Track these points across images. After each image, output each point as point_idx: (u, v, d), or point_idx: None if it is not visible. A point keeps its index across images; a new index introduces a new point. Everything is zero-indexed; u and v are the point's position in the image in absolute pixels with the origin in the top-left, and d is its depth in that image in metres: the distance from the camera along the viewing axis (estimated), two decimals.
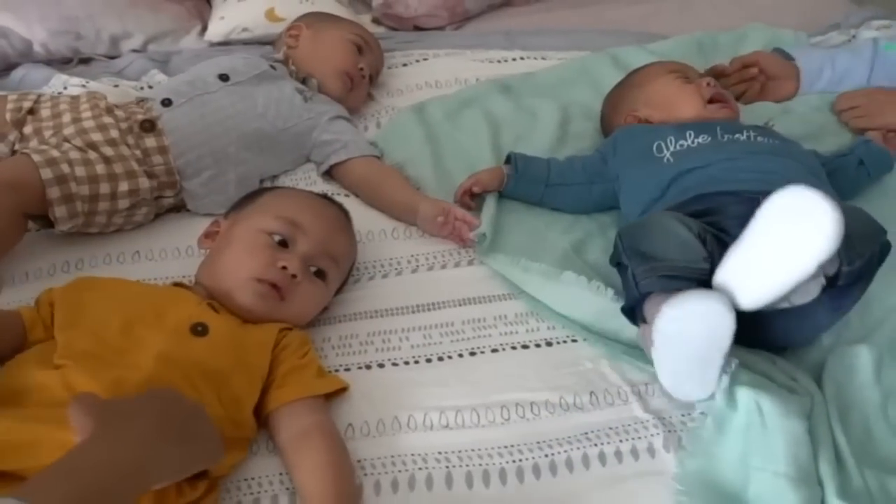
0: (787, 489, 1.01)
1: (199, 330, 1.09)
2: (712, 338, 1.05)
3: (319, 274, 1.21)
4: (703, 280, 1.10)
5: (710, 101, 1.47)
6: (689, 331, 1.05)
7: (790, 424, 1.06)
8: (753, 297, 1.05)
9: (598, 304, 1.25)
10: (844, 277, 1.09)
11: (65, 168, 1.29)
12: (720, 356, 1.07)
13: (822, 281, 1.07)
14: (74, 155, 1.32)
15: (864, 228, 1.12)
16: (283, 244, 1.19)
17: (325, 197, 1.35)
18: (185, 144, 1.42)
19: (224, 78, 1.51)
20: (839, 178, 1.40)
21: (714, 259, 1.11)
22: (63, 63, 1.78)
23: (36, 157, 1.28)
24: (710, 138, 1.38)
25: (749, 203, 1.12)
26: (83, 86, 1.63)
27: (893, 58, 1.68)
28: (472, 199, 1.47)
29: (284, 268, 1.16)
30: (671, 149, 1.38)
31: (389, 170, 1.53)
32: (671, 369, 1.11)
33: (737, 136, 1.39)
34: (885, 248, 1.15)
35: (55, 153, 1.30)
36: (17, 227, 1.29)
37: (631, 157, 1.42)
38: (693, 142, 1.38)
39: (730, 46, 1.85)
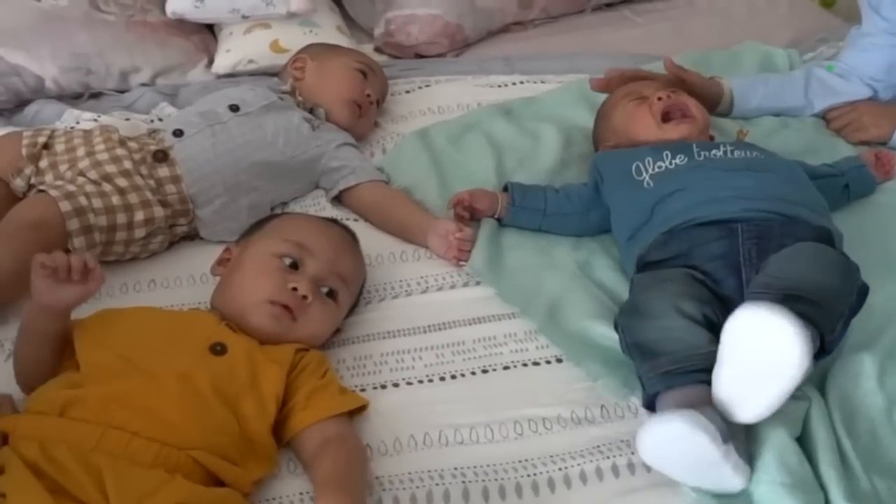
0: (784, 496, 1.02)
1: (219, 349, 1.12)
2: (696, 453, 1.03)
3: (331, 294, 1.24)
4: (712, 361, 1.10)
5: (666, 118, 1.49)
6: (671, 454, 1.06)
7: (776, 434, 1.08)
8: (754, 413, 1.05)
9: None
10: (830, 343, 1.12)
11: (82, 200, 1.33)
12: (712, 453, 1.02)
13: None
14: (90, 188, 1.35)
15: (840, 290, 1.14)
16: (294, 266, 1.22)
17: (331, 220, 1.38)
18: (197, 173, 1.45)
19: (234, 108, 1.55)
20: (823, 193, 1.42)
21: (718, 319, 1.13)
22: (74, 98, 1.82)
23: (53, 193, 1.32)
24: (686, 158, 1.41)
25: (727, 236, 1.21)
26: (95, 120, 1.67)
27: (824, 75, 1.75)
28: (466, 212, 1.49)
29: (295, 289, 1.19)
30: (650, 171, 1.41)
31: (397, 193, 1.57)
32: (676, 475, 1.09)
33: (713, 152, 1.42)
34: (863, 292, 1.18)
35: (72, 187, 1.34)
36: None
37: (615, 183, 1.45)
38: (671, 163, 1.41)
39: (724, 65, 1.89)
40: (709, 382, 1.09)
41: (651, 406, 1.15)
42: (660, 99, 1.49)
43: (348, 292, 1.28)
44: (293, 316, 1.19)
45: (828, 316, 1.09)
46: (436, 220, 1.47)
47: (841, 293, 1.14)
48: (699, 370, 1.10)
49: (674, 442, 1.02)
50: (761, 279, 1.14)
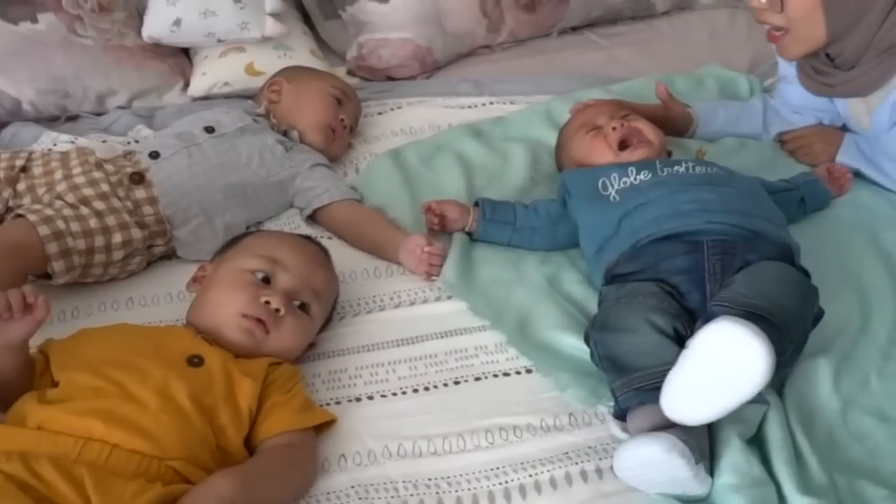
0: (731, 495, 1.08)
1: (196, 361, 1.15)
2: (671, 474, 1.08)
3: (303, 307, 1.27)
4: None
5: (622, 146, 1.53)
6: (646, 473, 1.10)
7: (727, 436, 1.13)
8: (699, 419, 1.09)
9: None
10: (786, 362, 1.17)
11: (60, 224, 1.35)
12: (686, 473, 1.07)
13: None
14: (68, 212, 1.38)
15: (799, 315, 1.19)
16: (266, 281, 1.25)
17: (304, 236, 1.42)
18: (173, 194, 1.48)
19: (210, 130, 1.58)
20: (780, 207, 1.48)
21: (687, 332, 1.18)
22: (51, 121, 1.84)
23: (32, 217, 1.34)
24: (650, 174, 1.46)
25: (693, 251, 1.27)
26: (72, 142, 1.69)
27: (779, 105, 1.83)
28: (437, 222, 1.53)
29: (268, 303, 1.22)
30: (616, 186, 1.46)
31: (370, 211, 1.60)
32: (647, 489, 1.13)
33: (676, 168, 1.48)
34: (818, 317, 1.24)
35: (49, 211, 1.36)
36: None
37: (583, 198, 1.49)
38: (635, 178, 1.46)
39: (688, 88, 1.95)
40: None
41: (622, 416, 1.20)
42: (614, 129, 1.54)
43: (321, 306, 1.31)
44: (266, 329, 1.22)
45: (784, 339, 1.14)
46: (406, 235, 1.51)
47: (800, 318, 1.19)
48: None
49: (651, 464, 1.08)
50: (727, 294, 1.19)
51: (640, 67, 2.10)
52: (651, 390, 1.14)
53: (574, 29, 2.29)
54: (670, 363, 1.14)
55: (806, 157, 1.75)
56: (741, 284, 1.19)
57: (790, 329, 1.16)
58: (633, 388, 1.16)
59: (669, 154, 1.59)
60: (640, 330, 1.19)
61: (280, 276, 1.26)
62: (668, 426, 1.11)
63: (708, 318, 1.12)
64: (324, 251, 1.39)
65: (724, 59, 2.14)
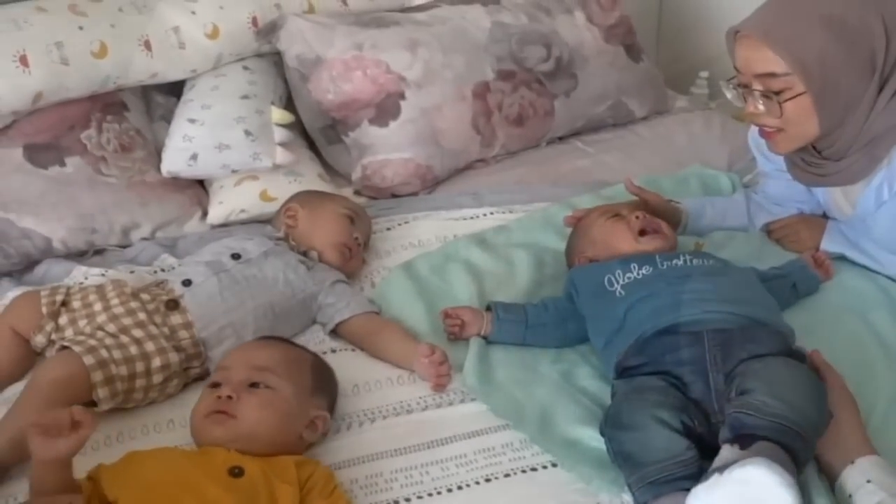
0: None
1: (237, 472, 1.22)
2: None
3: (255, 385, 1.36)
4: (695, 467, 1.23)
5: (642, 233, 1.66)
6: None
7: None
8: None
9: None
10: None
11: (104, 353, 1.44)
12: None
13: None
14: (109, 341, 1.47)
15: (818, 422, 1.26)
16: (216, 385, 1.37)
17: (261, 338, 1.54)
18: (207, 318, 1.57)
19: (236, 257, 1.68)
20: (773, 293, 1.59)
21: (697, 429, 1.28)
22: (78, 255, 1.92)
23: (77, 349, 1.43)
24: (651, 268, 1.57)
25: (694, 343, 1.37)
26: (102, 274, 1.79)
27: (761, 199, 1.95)
28: (459, 324, 1.63)
29: (219, 397, 1.33)
30: (621, 282, 1.56)
31: (387, 323, 1.69)
32: None
33: (674, 262, 1.58)
34: (830, 417, 1.30)
35: (93, 342, 1.45)
36: None
37: (589, 294, 1.59)
38: (638, 273, 1.56)
39: (672, 188, 2.08)
40: (688, 488, 1.19)
41: None
42: (637, 217, 1.67)
43: (276, 376, 1.37)
44: (230, 415, 1.31)
45: (809, 450, 1.23)
46: (418, 346, 1.58)
47: (819, 424, 1.26)
48: (681, 478, 1.22)
49: None
50: (751, 401, 1.24)
51: (626, 170, 2.21)
52: (664, 483, 1.22)
53: (561, 139, 2.42)
54: (678, 456, 1.22)
55: (793, 245, 1.85)
56: (761, 391, 1.25)
57: (812, 438, 1.24)
58: (646, 483, 1.23)
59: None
60: (648, 427, 1.26)
61: (228, 376, 1.37)
62: None
63: (734, 428, 1.21)
64: (272, 337, 1.52)
65: (702, 158, 2.28)
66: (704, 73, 2.82)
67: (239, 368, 1.38)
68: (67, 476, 1.19)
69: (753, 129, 1.81)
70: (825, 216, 1.87)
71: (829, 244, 1.80)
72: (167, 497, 1.17)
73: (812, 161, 1.67)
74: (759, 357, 1.34)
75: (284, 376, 1.39)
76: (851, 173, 1.63)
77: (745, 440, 1.20)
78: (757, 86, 1.54)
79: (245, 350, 1.45)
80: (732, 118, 1.95)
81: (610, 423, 1.33)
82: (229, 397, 1.32)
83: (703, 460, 1.26)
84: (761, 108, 1.54)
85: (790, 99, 1.50)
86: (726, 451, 1.20)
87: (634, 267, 1.58)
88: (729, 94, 1.65)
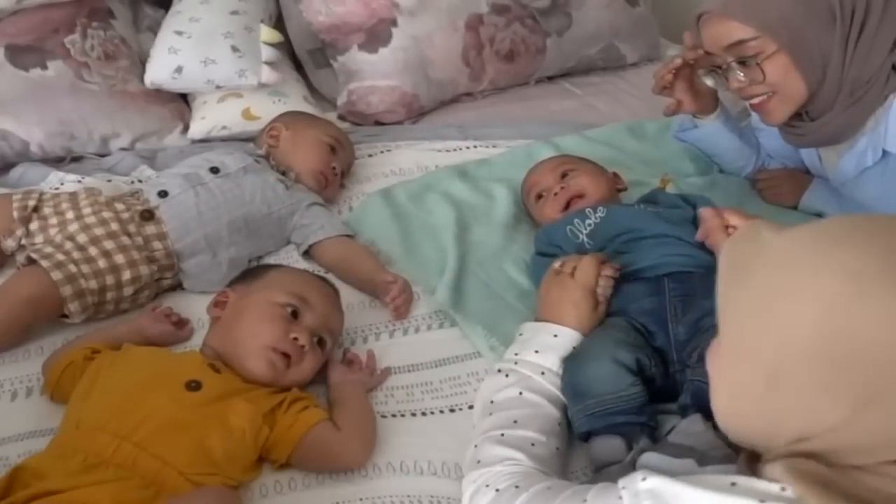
0: None
1: (193, 386, 1.23)
2: None
3: (320, 343, 1.36)
4: (636, 404, 1.25)
5: (566, 207, 1.66)
6: None
7: None
8: None
9: None
10: None
11: (72, 268, 1.44)
12: None
13: None
14: (77, 255, 1.46)
15: None
16: (294, 315, 1.34)
17: (321, 277, 1.51)
18: (182, 230, 1.57)
19: (215, 170, 1.67)
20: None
21: (651, 370, 1.29)
22: (56, 161, 1.92)
23: (45, 263, 1.43)
24: (605, 210, 1.60)
25: (655, 293, 1.39)
26: (79, 181, 1.78)
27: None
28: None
29: (296, 339, 1.31)
30: (584, 231, 1.58)
31: (360, 248, 1.69)
32: None
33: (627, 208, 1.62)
34: None
35: (60, 256, 1.45)
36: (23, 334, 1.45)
37: (562, 249, 1.59)
38: (595, 217, 1.59)
39: (657, 133, 2.08)
40: (623, 423, 1.23)
41: (586, 438, 1.27)
42: (556, 194, 1.68)
43: (332, 343, 1.40)
44: (288, 364, 1.31)
45: None
46: (383, 274, 1.58)
47: None
48: (618, 412, 1.24)
49: None
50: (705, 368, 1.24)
51: (613, 114, 2.23)
52: (602, 415, 1.24)
53: (550, 78, 2.41)
54: (622, 391, 1.24)
55: (773, 197, 1.85)
56: None
57: None
58: (585, 415, 1.25)
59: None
60: (601, 360, 1.27)
61: (307, 314, 1.35)
62: (620, 461, 1.19)
63: (697, 397, 1.21)
64: (336, 292, 1.48)
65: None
66: None
67: (318, 316, 1.36)
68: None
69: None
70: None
71: (811, 199, 1.80)
72: (115, 404, 1.19)
73: (799, 124, 1.66)
74: None
75: (333, 344, 1.41)
76: (833, 131, 1.62)
77: (710, 414, 1.17)
78: (730, 58, 1.54)
79: (328, 300, 1.41)
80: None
81: (570, 356, 1.34)
82: (302, 347, 1.31)
83: (653, 403, 1.29)
84: (742, 78, 1.54)
85: (767, 58, 1.51)
86: (694, 425, 1.14)
87: (590, 212, 1.60)
88: (710, 82, 1.66)
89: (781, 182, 1.87)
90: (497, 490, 1.10)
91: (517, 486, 1.08)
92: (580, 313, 1.37)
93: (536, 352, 1.32)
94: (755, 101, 1.58)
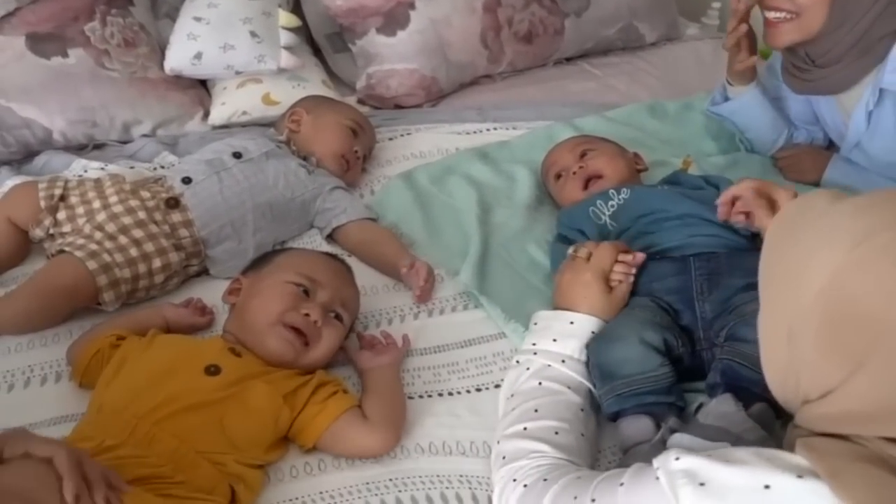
0: None
1: (212, 370, 1.24)
2: None
3: (337, 318, 1.37)
4: (665, 384, 1.25)
5: (586, 186, 1.66)
6: None
7: None
8: None
9: None
10: None
11: (106, 257, 1.44)
12: None
13: None
14: (109, 244, 1.47)
15: None
16: (306, 293, 1.35)
17: (330, 254, 1.52)
18: (207, 217, 1.58)
19: (237, 156, 1.68)
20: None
21: (678, 349, 1.30)
22: (79, 149, 1.92)
23: (79, 254, 1.43)
24: (629, 191, 1.59)
25: (682, 272, 1.39)
26: (102, 168, 1.79)
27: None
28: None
29: (307, 315, 1.32)
30: (607, 213, 1.58)
31: (384, 231, 1.69)
32: None
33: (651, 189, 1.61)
34: None
35: (93, 245, 1.46)
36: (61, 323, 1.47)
37: (588, 231, 1.59)
38: (619, 199, 1.58)
39: (678, 112, 2.08)
40: (652, 404, 1.24)
41: (614, 419, 1.28)
42: (575, 173, 1.68)
43: (349, 317, 1.41)
44: (306, 341, 1.31)
45: None
46: (405, 257, 1.58)
47: None
48: (646, 392, 1.25)
49: None
50: (742, 350, 1.23)
51: (633, 94, 2.22)
52: (631, 395, 1.24)
53: (569, 59, 2.40)
54: (650, 371, 1.25)
55: (794, 175, 1.84)
56: (755, 340, 1.20)
57: None
58: (614, 395, 1.26)
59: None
60: (628, 340, 1.28)
61: (318, 292, 1.36)
62: (649, 440, 1.20)
63: (728, 376, 1.21)
64: (348, 268, 1.49)
65: (709, 86, 2.21)
66: (717, 4, 2.77)
67: (330, 291, 1.37)
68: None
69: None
70: (830, 147, 1.87)
71: (831, 175, 1.80)
72: (135, 388, 1.21)
73: (803, 67, 1.68)
74: (750, 290, 1.33)
75: (352, 316, 1.41)
76: (839, 80, 1.65)
77: (741, 394, 1.18)
78: None
79: (334, 274, 1.42)
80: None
81: (596, 335, 1.34)
82: (315, 322, 1.32)
83: (680, 382, 1.29)
84: None
85: None
86: (727, 405, 1.14)
87: (613, 194, 1.60)
88: None
89: (802, 159, 1.86)
90: (525, 486, 1.10)
91: (545, 480, 1.08)
92: (591, 296, 1.36)
93: (554, 340, 1.32)
94: (775, 15, 1.61)
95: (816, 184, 1.82)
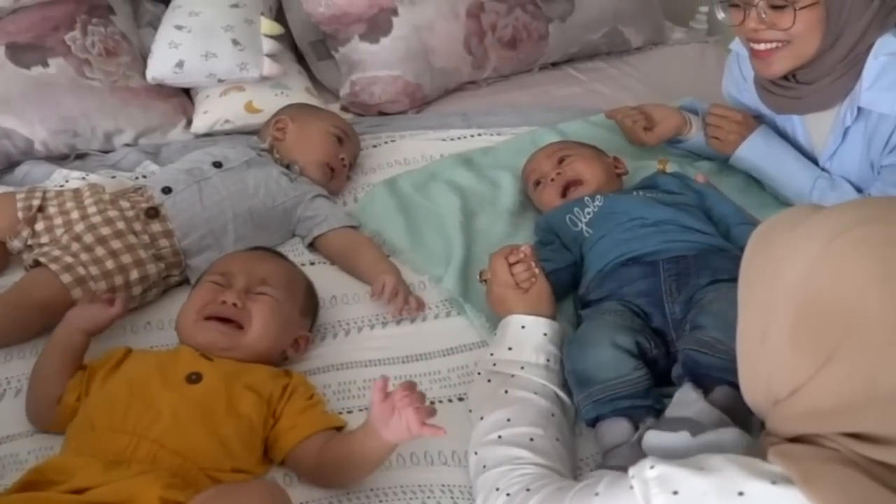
0: None
1: (194, 378, 1.24)
2: None
3: (262, 294, 1.36)
4: (641, 388, 1.26)
5: (564, 193, 1.67)
6: None
7: None
8: None
9: None
10: None
11: (81, 270, 1.43)
12: None
13: None
14: (84, 256, 1.46)
15: None
16: (223, 287, 1.36)
17: (255, 248, 1.52)
18: (188, 227, 1.57)
19: (217, 165, 1.67)
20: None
21: (652, 352, 1.30)
22: (60, 159, 1.91)
23: (53, 267, 1.43)
24: (603, 198, 1.59)
25: (651, 275, 1.40)
26: (83, 178, 1.77)
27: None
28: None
29: (224, 302, 1.32)
30: (583, 219, 1.58)
31: (364, 239, 1.68)
32: None
33: (626, 196, 1.61)
34: None
35: (69, 258, 1.44)
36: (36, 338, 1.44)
37: (565, 238, 1.60)
38: (593, 206, 1.58)
39: None
40: (629, 407, 1.24)
41: (593, 424, 1.28)
42: (553, 180, 1.68)
43: (278, 290, 1.38)
44: (237, 325, 1.32)
45: None
46: (383, 273, 1.56)
47: None
48: (624, 396, 1.25)
49: None
50: (701, 337, 1.25)
51: (618, 99, 2.20)
52: (608, 401, 1.25)
53: (554, 64, 2.39)
54: (625, 375, 1.25)
55: (714, 142, 1.80)
56: (713, 327, 1.25)
57: None
58: (592, 401, 1.26)
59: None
60: (602, 346, 1.28)
61: (233, 281, 1.37)
62: (627, 441, 1.20)
63: (687, 366, 1.23)
64: (268, 250, 1.51)
65: (696, 91, 2.21)
66: (704, 8, 2.76)
67: (240, 276, 1.37)
68: (87, 342, 1.34)
69: (730, 75, 1.84)
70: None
71: (745, 150, 1.76)
72: (125, 403, 1.20)
73: (786, 85, 1.64)
74: (714, 284, 1.35)
75: (283, 291, 1.39)
76: (823, 97, 1.61)
77: (702, 380, 1.21)
78: None
79: (247, 259, 1.43)
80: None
81: (568, 342, 1.35)
82: (235, 305, 1.32)
83: (657, 386, 1.29)
84: (765, 18, 1.50)
85: (805, 7, 1.48)
86: (687, 395, 1.18)
87: (589, 201, 1.60)
88: (721, 15, 1.62)
89: (732, 128, 1.78)
90: (508, 494, 1.10)
91: (528, 490, 1.08)
92: (517, 303, 1.40)
93: (510, 349, 1.33)
94: (763, 47, 1.56)
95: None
